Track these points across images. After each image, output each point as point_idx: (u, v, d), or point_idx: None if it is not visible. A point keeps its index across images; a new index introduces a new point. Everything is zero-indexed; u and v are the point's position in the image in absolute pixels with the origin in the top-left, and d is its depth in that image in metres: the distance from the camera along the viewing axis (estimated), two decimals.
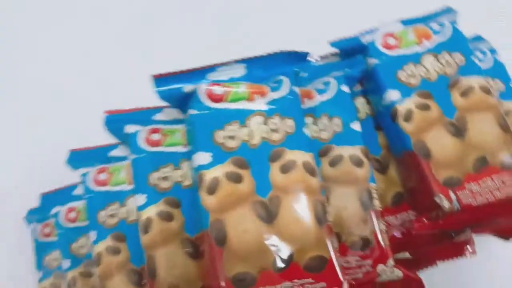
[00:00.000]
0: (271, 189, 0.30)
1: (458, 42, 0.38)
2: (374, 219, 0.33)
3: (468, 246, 0.42)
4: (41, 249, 0.49)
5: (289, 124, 0.31)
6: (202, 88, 0.31)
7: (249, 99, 0.32)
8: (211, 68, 0.33)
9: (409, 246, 0.38)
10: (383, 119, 0.38)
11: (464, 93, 0.36)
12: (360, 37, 0.39)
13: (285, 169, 0.30)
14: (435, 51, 0.38)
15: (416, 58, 0.38)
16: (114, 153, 0.40)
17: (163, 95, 0.32)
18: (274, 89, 0.32)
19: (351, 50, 0.40)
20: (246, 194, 0.29)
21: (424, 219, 0.35)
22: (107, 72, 0.55)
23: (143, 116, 0.37)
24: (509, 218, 0.34)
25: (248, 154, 0.30)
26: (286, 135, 0.31)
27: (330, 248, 0.29)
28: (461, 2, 0.41)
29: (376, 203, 0.34)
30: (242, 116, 0.31)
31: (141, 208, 0.33)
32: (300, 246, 0.29)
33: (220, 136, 0.31)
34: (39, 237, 0.49)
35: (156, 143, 0.35)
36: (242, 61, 0.33)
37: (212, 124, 0.31)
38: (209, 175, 0.30)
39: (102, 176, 0.39)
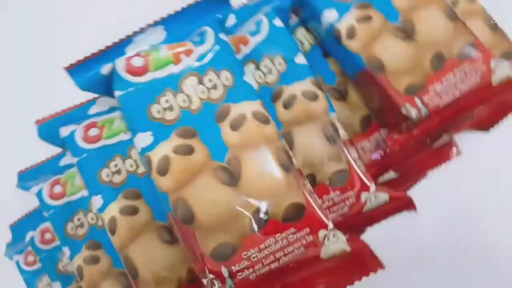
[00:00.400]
0: (227, 151, 0.27)
1: None
2: (345, 150, 0.31)
3: (452, 149, 0.41)
4: (31, 279, 0.47)
5: (226, 77, 0.28)
6: (120, 64, 0.28)
7: (175, 61, 0.28)
8: (127, 40, 0.29)
9: (390, 165, 0.36)
10: (329, 44, 0.36)
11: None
12: None
13: (235, 125, 0.28)
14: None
15: None
16: (65, 161, 0.37)
17: (83, 85, 0.29)
18: (198, 43, 0.29)
19: None
20: (202, 164, 0.27)
21: (396, 134, 0.33)
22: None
23: (76, 114, 0.34)
24: (480, 108, 0.33)
25: (192, 121, 0.28)
26: (226, 89, 0.28)
27: (304, 193, 0.27)
28: None
29: (342, 133, 0.31)
30: (172, 83, 0.28)
31: (100, 210, 0.30)
32: (272, 200, 0.27)
33: (155, 110, 0.28)
34: (24, 268, 0.47)
35: (95, 139, 0.32)
36: (159, 23, 0.30)
37: (143, 100, 0.28)
38: (156, 155, 0.27)
39: (57, 189, 0.36)
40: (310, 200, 0.27)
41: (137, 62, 0.28)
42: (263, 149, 0.27)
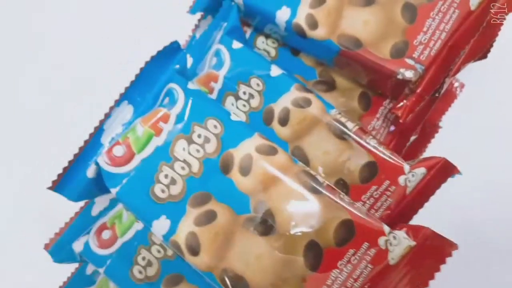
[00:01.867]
0: (249, 200, 0.25)
1: None
2: (361, 141, 0.29)
3: (454, 86, 0.39)
4: None
5: (214, 125, 0.26)
6: (103, 161, 0.26)
7: (156, 133, 0.26)
8: (98, 131, 0.27)
9: (410, 132, 0.34)
10: (294, 42, 0.33)
11: None
12: None
13: (245, 170, 0.25)
14: None
15: None
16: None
17: (75, 197, 0.27)
18: (170, 105, 0.27)
19: (214, 3, 0.34)
20: (228, 226, 0.25)
21: (401, 101, 0.31)
22: None
23: (81, 222, 0.31)
24: (473, 40, 0.30)
25: (200, 186, 0.25)
26: (219, 138, 0.26)
27: (344, 207, 0.25)
28: None
29: (350, 125, 0.29)
30: (163, 155, 0.26)
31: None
32: (316, 229, 0.24)
33: (159, 191, 0.25)
34: None
35: (111, 242, 0.29)
36: (121, 99, 0.27)
37: (142, 187, 0.25)
38: (180, 237, 0.25)
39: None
40: (354, 211, 0.25)
41: (119, 151, 0.26)
42: (283, 182, 0.25)
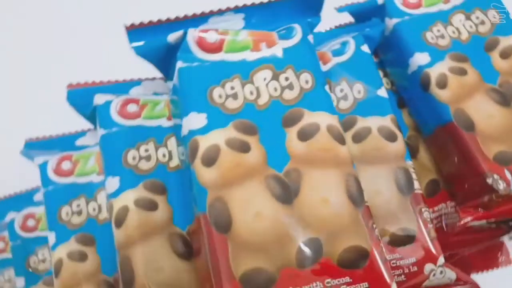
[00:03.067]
0: (288, 161, 0.22)
1: None
2: (416, 206, 0.26)
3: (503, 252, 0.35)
4: None
5: (307, 79, 0.24)
6: (192, 34, 0.24)
7: (253, 48, 0.24)
8: (201, 18, 0.26)
9: (447, 245, 0.30)
10: (410, 91, 0.32)
11: (506, 54, 0.30)
12: None
13: (305, 135, 0.23)
14: (464, 8, 0.32)
15: (443, 17, 0.31)
16: (82, 141, 0.32)
17: (141, 50, 0.25)
18: (283, 37, 0.25)
19: (364, 14, 0.34)
20: (255, 167, 0.22)
21: (471, 208, 0.28)
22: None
23: (115, 88, 0.29)
24: None
25: (254, 117, 0.23)
26: (303, 92, 0.24)
27: (370, 237, 0.21)
28: None
29: (417, 185, 0.26)
30: (244, 70, 0.24)
31: (112, 195, 0.25)
32: (330, 234, 0.21)
33: (217, 94, 0.23)
34: None
35: (133, 115, 0.27)
36: (239, 10, 0.26)
37: (206, 80, 0.23)
38: (206, 141, 0.22)
39: (65, 165, 0.31)
40: (376, 249, 0.21)
41: (212, 37, 0.24)
42: (332, 171, 0.22)
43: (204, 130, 0.22)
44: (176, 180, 0.25)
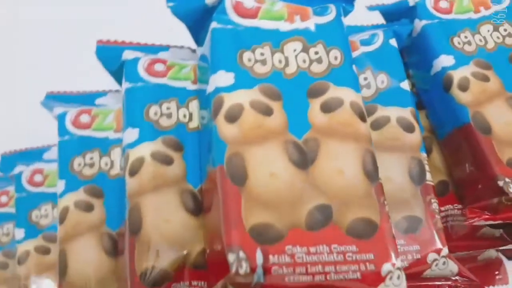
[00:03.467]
0: (308, 129, 0.23)
1: None
2: (426, 196, 0.26)
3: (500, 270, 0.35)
4: None
5: (336, 56, 0.25)
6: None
7: (287, 19, 0.25)
8: None
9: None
10: (430, 92, 0.32)
11: None
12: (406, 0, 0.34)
13: (328, 107, 0.23)
14: (493, 19, 0.32)
15: (472, 25, 0.32)
16: (102, 100, 0.33)
17: (177, 9, 0.25)
18: (317, 13, 0.26)
19: (395, 14, 0.34)
20: (276, 130, 0.22)
21: (478, 209, 0.28)
22: None
23: (144, 49, 0.30)
24: None
25: (280, 84, 0.24)
26: (330, 67, 0.24)
27: (381, 211, 0.22)
28: None
29: (429, 176, 0.27)
30: (276, 39, 0.25)
31: (130, 145, 0.25)
32: (342, 203, 0.21)
33: (247, 57, 0.24)
34: None
35: (159, 74, 0.28)
36: None
37: (238, 42, 0.24)
38: (231, 99, 0.23)
39: (84, 118, 0.31)
40: (385, 223, 0.21)
41: (249, 3, 0.25)
42: (351, 145, 0.23)
43: (230, 88, 0.23)
44: (193, 140, 0.26)
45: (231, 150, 0.21)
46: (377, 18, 0.35)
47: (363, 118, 0.23)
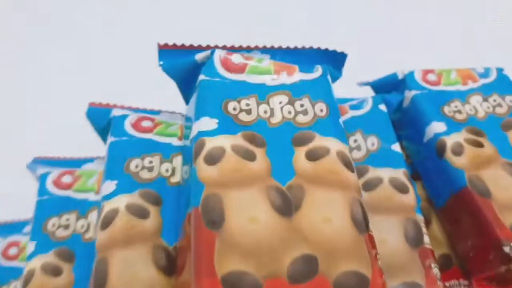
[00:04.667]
0: (293, 176, 0.21)
1: (507, 84, 0.33)
2: (424, 260, 0.24)
3: None
4: None
5: (321, 108, 0.24)
6: (219, 54, 0.25)
7: (274, 74, 0.25)
8: (230, 50, 0.27)
9: None
10: (425, 160, 0.31)
11: None
12: (395, 73, 0.35)
13: (313, 155, 0.22)
14: (482, 91, 0.33)
15: (461, 96, 0.32)
16: (89, 167, 0.32)
17: (168, 66, 0.26)
18: (304, 71, 0.26)
19: (385, 87, 0.35)
20: (258, 175, 0.21)
21: (485, 280, 0.25)
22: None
23: (137, 112, 0.30)
24: None
25: (265, 132, 0.23)
26: (316, 118, 0.24)
27: (373, 265, 0.19)
28: None
29: (427, 239, 0.25)
30: (262, 92, 0.25)
31: (106, 197, 0.24)
32: (329, 255, 0.19)
33: (232, 106, 0.24)
34: None
35: (146, 130, 0.27)
36: (267, 50, 0.28)
37: (224, 93, 0.24)
38: (212, 142, 0.22)
39: (66, 179, 0.30)
40: (378, 278, 0.19)
41: (237, 59, 0.25)
42: (338, 193, 0.21)
43: (213, 133, 0.22)
44: (173, 195, 0.24)
45: (208, 191, 0.20)
46: (368, 93, 0.36)
47: (350, 168, 0.22)
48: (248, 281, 0.17)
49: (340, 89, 0.29)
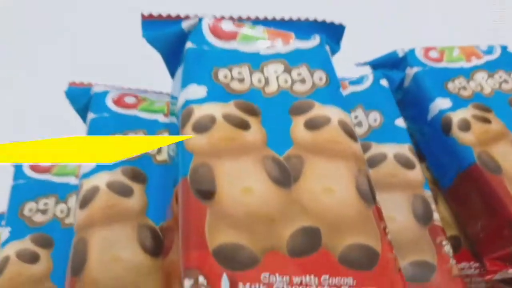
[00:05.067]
0: (290, 146, 0.19)
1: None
2: (436, 237, 0.22)
3: None
4: None
5: (320, 76, 0.22)
6: (207, 21, 0.23)
7: (268, 42, 0.23)
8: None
9: None
10: (430, 138, 0.29)
11: None
12: (395, 52, 0.33)
13: (313, 124, 0.20)
14: (487, 68, 0.31)
15: (465, 73, 0.31)
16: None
17: (152, 36, 0.24)
18: (301, 38, 0.24)
19: (385, 67, 0.33)
20: (252, 145, 0.19)
21: (498, 260, 0.24)
22: None
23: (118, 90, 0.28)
24: None
25: (259, 102, 0.21)
26: (315, 87, 0.22)
27: (382, 238, 0.17)
28: None
29: (436, 216, 0.23)
30: (255, 60, 0.23)
31: (85, 175, 0.22)
32: (333, 226, 0.17)
33: (222, 74, 0.22)
34: None
35: (129, 106, 0.25)
36: (260, 21, 0.26)
37: (213, 61, 0.22)
38: (201, 110, 0.20)
39: (44, 164, 0.28)
40: (388, 252, 0.17)
41: (227, 26, 0.24)
42: (341, 163, 0.19)
43: (201, 101, 0.20)
44: (159, 173, 0.22)
45: (197, 160, 0.18)
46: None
47: (353, 137, 0.20)
48: (244, 254, 0.15)
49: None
